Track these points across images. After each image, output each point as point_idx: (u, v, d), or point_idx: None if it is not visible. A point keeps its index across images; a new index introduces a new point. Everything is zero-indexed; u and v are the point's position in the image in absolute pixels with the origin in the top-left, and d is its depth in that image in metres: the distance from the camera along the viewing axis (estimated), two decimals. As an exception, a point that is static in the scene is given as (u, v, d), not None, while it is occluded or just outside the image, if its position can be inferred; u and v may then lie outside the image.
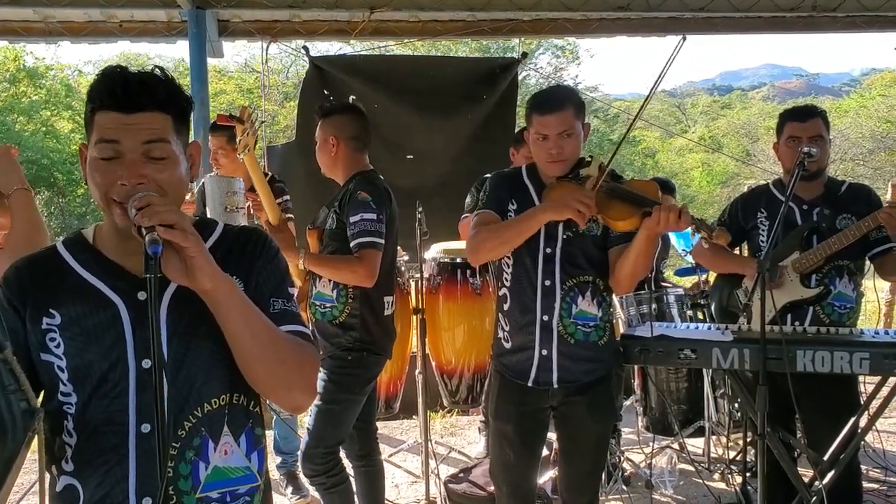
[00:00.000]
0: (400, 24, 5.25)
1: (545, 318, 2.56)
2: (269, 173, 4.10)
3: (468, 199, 4.37)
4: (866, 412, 3.02)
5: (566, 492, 2.79)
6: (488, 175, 4.33)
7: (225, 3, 4.55)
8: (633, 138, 30.44)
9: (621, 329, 3.94)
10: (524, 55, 5.77)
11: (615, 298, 4.30)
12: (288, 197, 4.01)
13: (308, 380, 1.46)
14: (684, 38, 2.55)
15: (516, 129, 4.64)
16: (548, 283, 2.56)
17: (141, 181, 1.33)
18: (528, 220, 2.51)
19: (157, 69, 1.40)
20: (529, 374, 2.61)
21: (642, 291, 4.19)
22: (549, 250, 2.55)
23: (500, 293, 2.68)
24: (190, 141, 1.46)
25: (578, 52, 24.90)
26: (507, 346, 2.66)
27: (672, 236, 5.10)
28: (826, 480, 2.90)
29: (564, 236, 2.55)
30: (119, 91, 1.34)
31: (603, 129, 25.15)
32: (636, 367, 4.54)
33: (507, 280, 2.64)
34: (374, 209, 2.93)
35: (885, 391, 2.97)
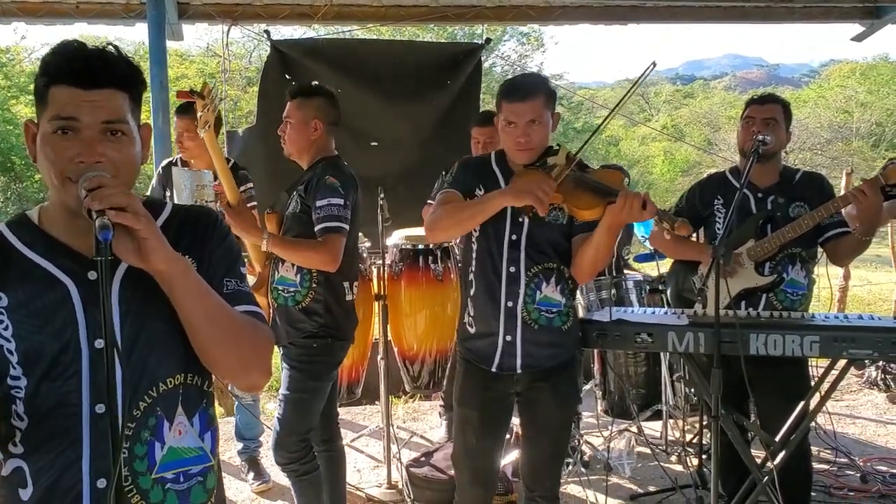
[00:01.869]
0: (363, 8, 5.22)
1: (510, 304, 2.59)
2: (231, 160, 4.05)
3: (437, 186, 4.39)
4: (817, 394, 3.09)
5: (529, 477, 2.81)
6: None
7: (185, -15, 4.50)
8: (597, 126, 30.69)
9: (580, 314, 3.99)
10: (488, 41, 5.77)
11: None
12: (251, 185, 3.99)
13: (264, 360, 1.46)
14: (654, 64, 2.59)
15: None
16: (512, 269, 2.59)
17: (99, 159, 1.31)
18: (486, 202, 2.52)
19: (111, 46, 1.38)
20: (493, 360, 2.64)
21: (602, 277, 4.25)
22: (514, 237, 2.58)
23: (467, 279, 2.70)
24: (142, 123, 1.44)
25: (543, 40, 24.97)
26: (472, 331, 2.68)
27: (633, 224, 5.16)
28: (777, 461, 2.97)
29: (528, 223, 2.57)
30: (79, 66, 1.31)
31: (567, 116, 25.29)
32: (596, 351, 4.60)
33: (473, 266, 2.66)
34: (341, 194, 2.93)
35: (833, 374, 3.06)
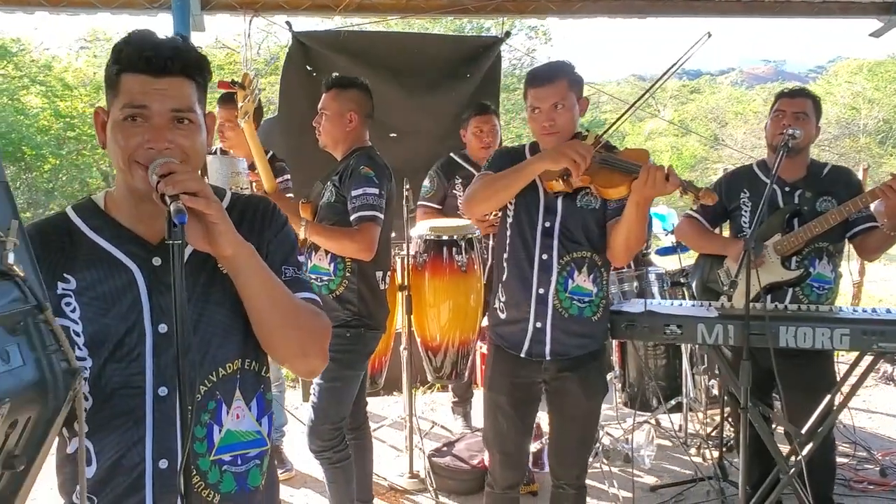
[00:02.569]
0: (384, 1, 5.23)
1: (541, 291, 2.62)
2: (271, 151, 4.09)
3: (426, 184, 4.42)
4: (842, 388, 3.11)
5: (557, 466, 2.86)
6: (451, 155, 4.43)
7: (209, -23, 4.51)
8: (604, 121, 30.58)
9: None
10: (507, 34, 5.77)
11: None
12: (288, 176, 4.04)
13: (322, 345, 1.49)
14: (709, 35, 2.61)
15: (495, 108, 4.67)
16: (545, 257, 2.61)
17: (168, 146, 1.34)
18: (522, 169, 2.55)
19: (179, 37, 1.41)
20: (523, 346, 2.67)
21: (624, 270, 4.28)
22: (547, 224, 2.61)
23: (501, 264, 2.73)
24: (207, 111, 1.47)
25: (551, 34, 24.90)
26: (503, 316, 2.72)
27: (652, 217, 5.17)
28: (805, 453, 3.00)
29: (561, 210, 2.60)
30: (149, 54, 1.34)
31: (574, 110, 25.23)
32: (615, 343, 4.63)
33: (506, 252, 2.69)
34: (376, 184, 2.97)
35: (859, 369, 3.08)
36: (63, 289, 1.38)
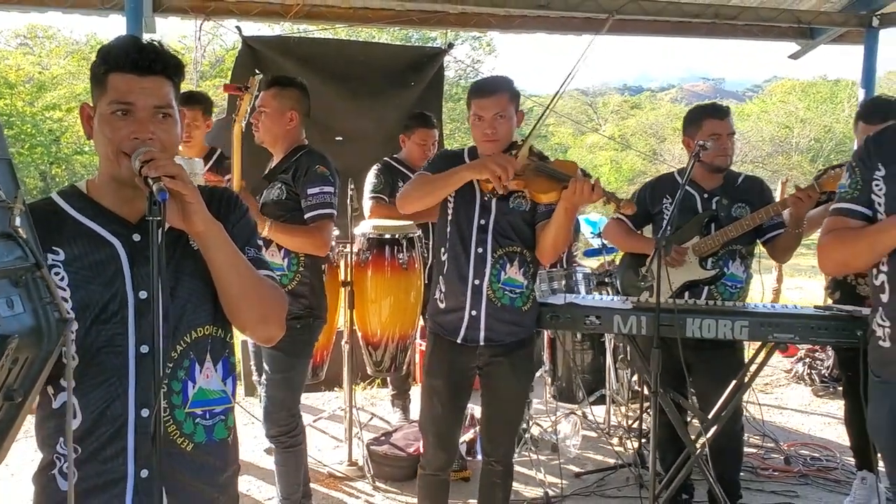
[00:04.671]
0: (333, 9, 5.43)
1: (476, 282, 2.89)
2: (219, 150, 4.25)
3: (373, 180, 4.62)
4: (747, 375, 3.41)
5: (488, 444, 3.11)
6: (387, 159, 4.64)
7: (163, -19, 4.66)
8: (547, 134, 31.21)
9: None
10: (450, 45, 6.04)
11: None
12: (230, 177, 4.17)
13: (280, 315, 1.71)
14: (611, 17, 2.93)
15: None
16: (480, 250, 2.89)
17: (150, 136, 1.55)
18: (452, 176, 2.84)
19: (157, 42, 1.62)
20: (460, 332, 2.93)
21: (554, 269, 4.56)
22: (482, 221, 2.90)
23: (442, 258, 2.98)
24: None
25: (495, 46, 25.39)
26: (442, 306, 2.98)
27: (582, 222, 5.49)
28: (710, 434, 3.29)
29: (495, 210, 2.88)
30: (136, 56, 1.55)
31: (517, 122, 25.73)
32: (546, 340, 4.90)
33: (446, 246, 2.95)
34: (331, 182, 3.18)
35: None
36: (53, 259, 1.55)
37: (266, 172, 3.35)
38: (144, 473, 1.56)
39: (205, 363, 1.65)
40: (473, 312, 2.90)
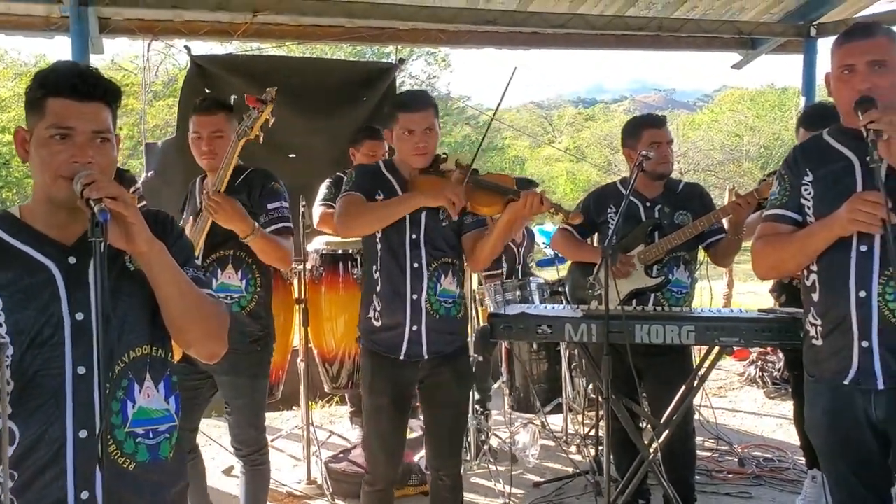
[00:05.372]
0: (281, 27, 5.44)
1: (414, 297, 2.90)
2: (118, 165, 4.19)
3: (325, 190, 4.62)
4: (697, 378, 3.48)
5: (434, 458, 3.11)
6: (339, 174, 4.65)
7: (108, 1, 4.60)
8: (504, 147, 31.47)
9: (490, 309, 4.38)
10: (401, 61, 6.08)
11: (484, 287, 4.70)
12: (139, 186, 4.13)
13: (222, 332, 1.73)
14: (515, 68, 3.06)
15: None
16: (416, 265, 2.91)
17: (89, 160, 1.56)
18: (404, 202, 2.87)
19: (94, 69, 1.64)
20: (401, 349, 2.93)
21: (508, 280, 4.61)
22: (414, 236, 2.91)
23: (374, 276, 2.96)
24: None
25: (450, 61, 25.58)
26: (378, 324, 2.95)
27: (536, 232, 5.55)
28: (662, 439, 3.35)
29: (424, 223, 2.90)
30: (75, 81, 1.56)
31: (474, 136, 25.94)
32: (504, 351, 4.94)
33: (377, 265, 2.95)
34: (286, 198, 3.18)
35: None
36: None
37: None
38: (85, 495, 1.55)
39: (144, 382, 1.65)
40: (414, 328, 2.91)
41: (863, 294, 2.18)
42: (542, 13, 5.51)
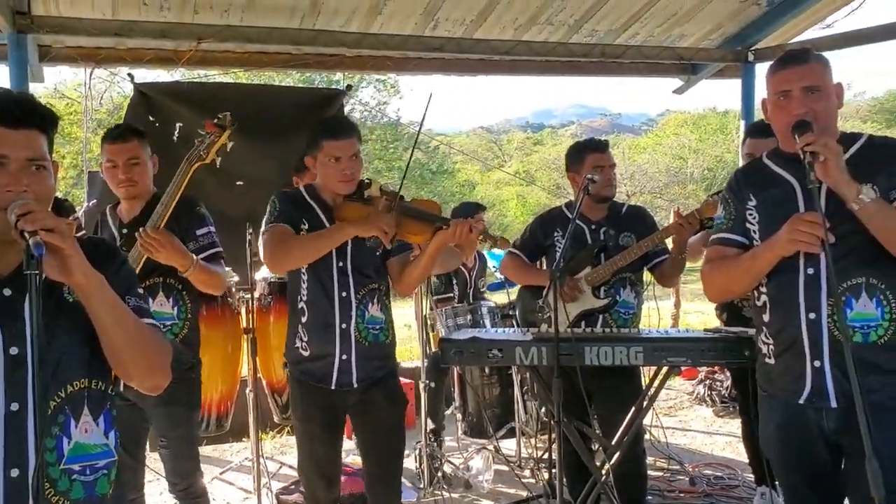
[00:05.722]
0: (227, 54, 5.39)
1: (343, 326, 2.88)
2: (57, 195, 4.09)
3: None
4: (647, 399, 3.51)
5: (371, 490, 3.06)
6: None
7: (48, 29, 4.52)
8: (454, 171, 31.62)
9: (441, 334, 4.37)
10: (349, 87, 6.07)
11: (436, 312, 4.69)
12: (78, 215, 4.07)
13: (165, 363, 1.69)
14: (431, 94, 3.12)
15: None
16: (344, 293, 2.89)
17: (24, 189, 1.51)
18: (335, 233, 2.85)
19: (29, 96, 1.59)
20: (331, 378, 2.89)
21: (459, 305, 4.61)
22: (341, 264, 2.89)
23: (299, 306, 2.93)
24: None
25: (399, 87, 25.67)
26: (306, 354, 2.92)
27: (487, 256, 5.57)
28: (614, 460, 3.37)
29: (350, 251, 2.89)
30: (9, 107, 1.52)
31: (423, 160, 26.05)
32: (456, 377, 4.93)
33: (303, 295, 2.91)
34: (212, 223, 3.14)
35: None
36: None
37: (127, 223, 3.12)
38: None
39: (81, 417, 1.60)
40: (344, 357, 2.88)
41: (812, 316, 2.23)
42: (488, 40, 5.57)
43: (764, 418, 2.47)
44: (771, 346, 2.37)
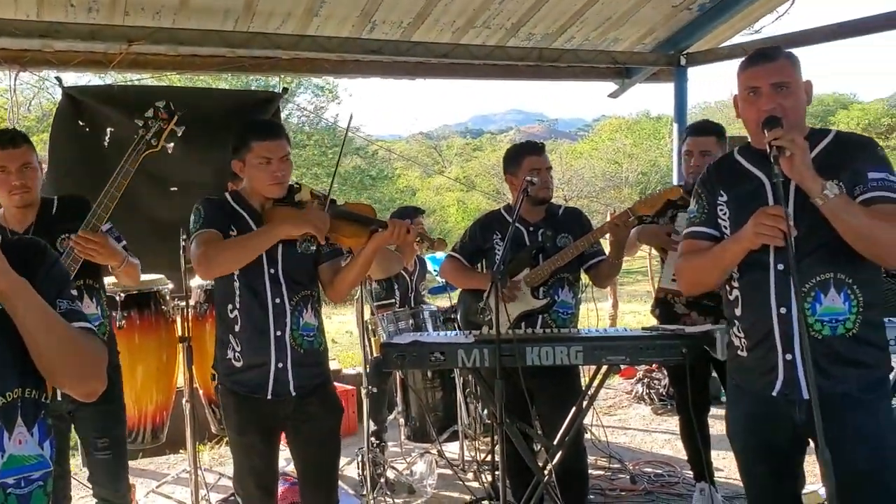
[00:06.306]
0: (159, 57, 5.28)
1: (278, 333, 2.80)
2: None
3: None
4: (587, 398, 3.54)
5: (307, 497, 3.00)
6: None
7: (-30, 30, 4.36)
8: (394, 177, 31.57)
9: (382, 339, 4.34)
10: (285, 90, 6.00)
11: (377, 317, 4.65)
12: None
13: (99, 369, 1.62)
14: (351, 116, 3.10)
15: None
16: (278, 301, 2.81)
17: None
18: (266, 233, 2.76)
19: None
20: (267, 388, 2.82)
21: (401, 309, 4.59)
22: (273, 271, 2.81)
23: (231, 315, 2.83)
24: None
25: (338, 92, 25.52)
26: (239, 365, 2.83)
27: (427, 260, 5.55)
28: (555, 461, 3.38)
29: (282, 257, 2.82)
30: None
31: (363, 166, 25.93)
32: (398, 381, 4.89)
33: (236, 303, 2.81)
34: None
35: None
36: None
37: (22, 232, 3.02)
38: None
39: (15, 428, 1.54)
40: (280, 365, 2.81)
41: (783, 310, 2.28)
42: (426, 43, 5.57)
43: (732, 405, 2.53)
44: (743, 340, 2.42)
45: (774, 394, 2.33)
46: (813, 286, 2.26)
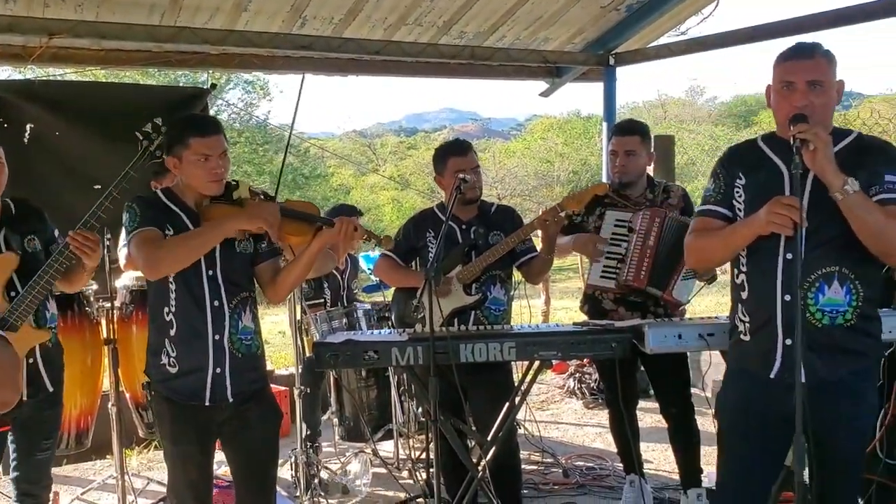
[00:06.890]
0: (81, 51, 5.11)
1: (217, 337, 2.73)
2: None
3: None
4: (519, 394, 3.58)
5: (244, 502, 2.93)
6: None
7: None
8: (328, 175, 31.34)
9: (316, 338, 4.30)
10: (213, 86, 5.89)
11: (309, 316, 4.61)
12: None
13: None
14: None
15: None
16: (216, 303, 2.73)
17: None
18: (217, 227, 2.69)
19: None
20: (205, 394, 2.73)
21: (334, 308, 4.56)
22: (210, 272, 2.73)
23: (166, 319, 2.73)
24: None
25: (269, 89, 25.18)
26: (174, 370, 2.73)
27: (360, 259, 5.53)
28: (489, 456, 3.41)
29: (220, 258, 2.74)
30: None
31: (296, 164, 25.66)
32: (332, 381, 4.86)
33: (172, 306, 2.72)
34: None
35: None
36: None
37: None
38: None
39: None
40: (217, 370, 2.73)
41: (787, 298, 2.37)
42: (358, 39, 5.54)
43: (730, 386, 2.62)
44: (747, 324, 2.50)
45: (773, 376, 2.42)
46: (818, 277, 2.36)
